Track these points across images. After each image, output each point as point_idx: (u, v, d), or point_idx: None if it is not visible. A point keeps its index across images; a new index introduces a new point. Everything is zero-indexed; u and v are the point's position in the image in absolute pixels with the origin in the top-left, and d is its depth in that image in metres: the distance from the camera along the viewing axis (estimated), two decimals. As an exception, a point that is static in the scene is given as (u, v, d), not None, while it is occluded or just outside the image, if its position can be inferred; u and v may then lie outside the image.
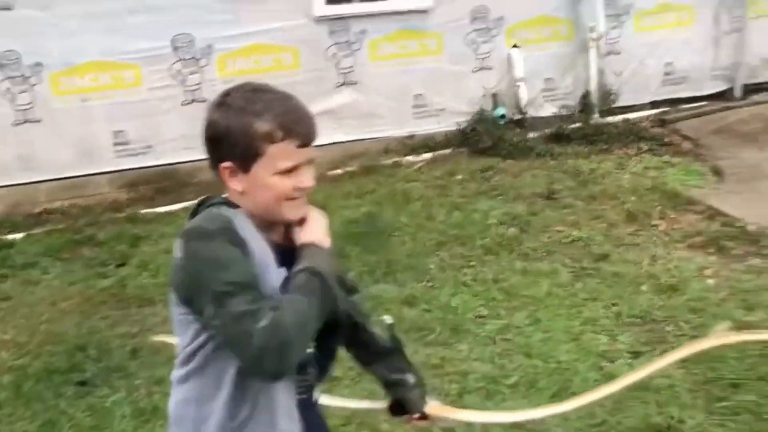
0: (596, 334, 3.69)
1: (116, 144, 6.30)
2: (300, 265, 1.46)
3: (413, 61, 6.84)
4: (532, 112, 7.03)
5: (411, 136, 6.90)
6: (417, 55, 6.84)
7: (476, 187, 5.96)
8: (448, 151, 6.77)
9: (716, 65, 7.57)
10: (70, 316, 4.23)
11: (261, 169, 1.46)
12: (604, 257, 4.55)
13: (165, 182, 6.45)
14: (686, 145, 6.59)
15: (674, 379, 3.23)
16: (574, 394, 3.15)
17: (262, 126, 1.44)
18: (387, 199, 5.79)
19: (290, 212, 1.51)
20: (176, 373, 1.57)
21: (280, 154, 1.45)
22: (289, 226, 1.57)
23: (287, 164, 1.46)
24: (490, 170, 6.25)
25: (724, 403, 3.03)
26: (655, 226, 5.00)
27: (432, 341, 3.71)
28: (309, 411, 1.62)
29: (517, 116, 7.00)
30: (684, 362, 3.33)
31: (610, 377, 3.26)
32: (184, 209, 5.91)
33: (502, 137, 6.62)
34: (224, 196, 1.56)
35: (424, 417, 1.86)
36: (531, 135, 6.81)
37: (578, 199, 5.53)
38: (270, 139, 1.44)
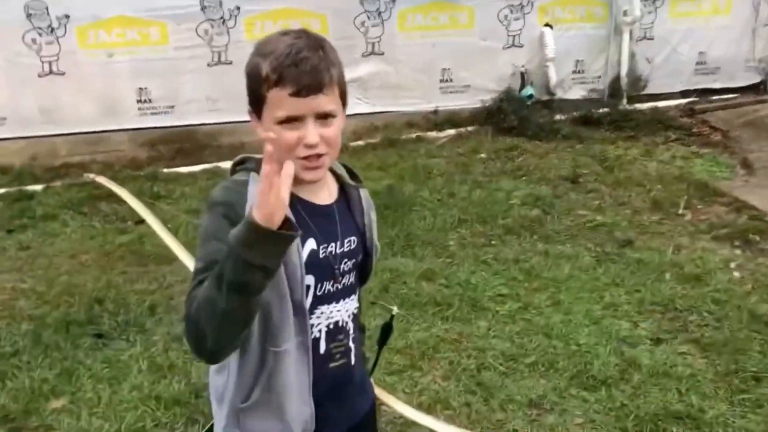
0: (617, 319, 3.64)
1: (139, 101, 6.26)
2: (230, 238, 1.24)
3: (443, 33, 6.73)
4: (560, 94, 6.94)
5: (435, 111, 6.83)
6: (447, 27, 6.74)
7: (500, 166, 5.90)
8: (472, 128, 6.70)
9: (751, 56, 7.41)
10: (88, 270, 4.22)
11: (266, 116, 1.38)
12: (628, 243, 4.49)
13: (186, 143, 6.42)
14: (715, 137, 6.48)
15: (696, 368, 3.19)
16: (593, 377, 3.14)
17: (263, 69, 1.35)
18: (409, 173, 5.74)
19: (303, 172, 1.37)
20: None
21: (275, 100, 1.35)
22: (342, 186, 1.52)
23: (280, 113, 1.34)
24: (515, 150, 6.18)
25: (746, 395, 2.99)
26: (681, 215, 4.93)
27: (450, 316, 3.68)
28: (347, 386, 1.55)
29: (545, 97, 6.91)
30: (706, 352, 3.32)
31: (631, 362, 3.23)
32: (204, 171, 5.91)
33: (529, 117, 6.54)
34: (260, 156, 1.49)
35: None
36: (558, 117, 6.73)
37: (603, 184, 5.46)
38: (267, 83, 1.34)
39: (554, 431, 2.80)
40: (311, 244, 1.44)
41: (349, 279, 1.52)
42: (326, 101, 1.36)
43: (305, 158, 1.37)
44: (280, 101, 1.34)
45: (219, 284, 1.23)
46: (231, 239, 1.23)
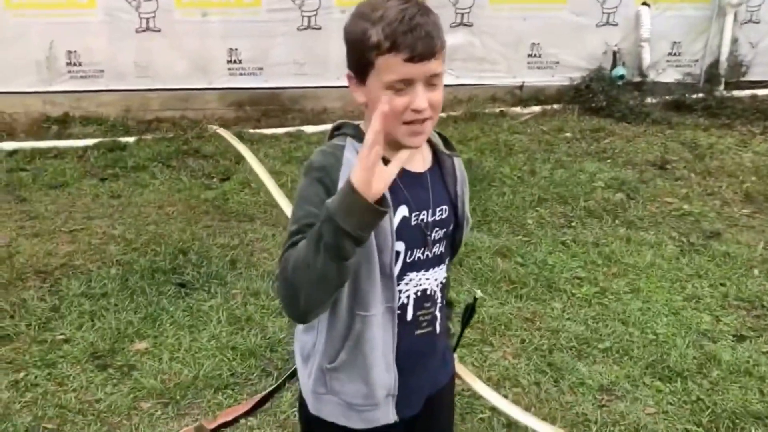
0: (699, 311, 3.52)
1: (229, 62, 6.40)
2: (327, 204, 1.28)
3: (534, 7, 6.57)
4: (653, 76, 6.67)
5: (521, 87, 6.71)
6: (539, 1, 6.57)
7: (584, 147, 5.75)
8: (558, 106, 6.55)
9: None
10: (174, 221, 4.39)
11: (372, 81, 1.37)
12: (715, 235, 4.32)
13: (271, 105, 6.53)
14: (819, 129, 6.12)
15: (780, 369, 3.07)
16: (669, 368, 3.07)
17: (373, 35, 1.33)
18: (490, 148, 5.68)
19: (407, 138, 1.38)
20: None
21: (386, 66, 1.33)
22: (436, 154, 1.53)
23: (392, 78, 1.33)
24: (601, 131, 6.02)
25: (832, 402, 2.86)
26: (775, 210, 4.71)
27: (524, 295, 3.65)
28: (430, 355, 1.57)
29: (637, 78, 6.66)
30: (792, 354, 3.18)
31: (710, 357, 3.14)
32: (287, 134, 6.01)
33: (618, 98, 6.34)
34: (358, 123, 1.49)
35: None
36: (649, 100, 6.49)
37: (693, 172, 5.26)
38: (378, 49, 1.33)
39: (624, 418, 2.76)
40: (403, 210, 1.44)
41: (440, 248, 1.52)
42: (436, 65, 1.36)
43: (410, 123, 1.37)
44: (393, 67, 1.33)
45: (316, 247, 1.26)
46: (329, 204, 1.26)
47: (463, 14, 6.51)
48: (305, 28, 6.32)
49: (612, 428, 2.71)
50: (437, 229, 1.50)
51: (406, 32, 1.31)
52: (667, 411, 2.81)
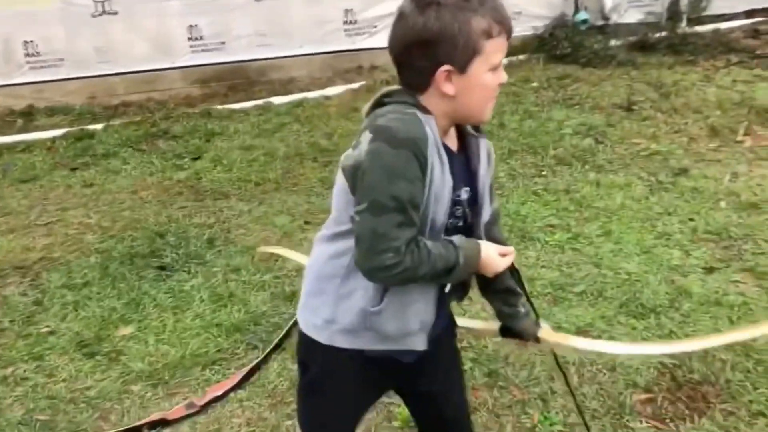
0: (669, 248, 3.61)
1: (190, 39, 6.33)
2: (467, 243, 1.51)
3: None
4: (615, 18, 6.70)
5: (485, 40, 6.68)
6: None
7: (552, 95, 5.79)
8: (523, 56, 6.56)
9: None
10: (149, 205, 4.40)
11: (478, 67, 1.43)
12: (683, 172, 4.41)
13: (237, 79, 6.49)
14: (781, 59, 6.19)
15: (749, 296, 3.16)
16: (642, 305, 3.16)
17: (481, 22, 1.40)
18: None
19: (490, 112, 1.51)
20: (324, 232, 1.60)
21: (496, 48, 1.43)
22: (462, 135, 1.57)
23: (500, 57, 1.45)
24: (568, 78, 6.05)
25: (799, 323, 2.96)
26: (740, 142, 4.79)
27: (500, 247, 3.71)
28: (441, 320, 1.65)
29: (600, 22, 6.68)
30: (760, 280, 3.29)
31: (681, 291, 3.23)
32: (256, 107, 5.98)
33: (582, 44, 6.37)
34: (398, 89, 1.50)
35: (537, 341, 1.84)
36: (613, 42, 6.52)
37: (659, 111, 5.33)
38: (488, 34, 1.41)
39: (601, 357, 2.84)
40: (450, 180, 1.49)
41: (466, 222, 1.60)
42: None
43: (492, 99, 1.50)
44: (501, 47, 1.44)
45: (447, 274, 1.49)
46: (462, 260, 1.49)
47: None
48: (264, -1, 6.26)
49: (590, 368, 2.80)
50: (458, 207, 1.57)
51: (505, 15, 1.44)
52: (642, 346, 2.91)
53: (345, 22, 6.51)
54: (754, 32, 6.68)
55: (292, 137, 5.39)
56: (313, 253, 1.63)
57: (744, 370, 2.72)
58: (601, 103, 5.51)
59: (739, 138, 4.82)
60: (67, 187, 4.78)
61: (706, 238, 3.70)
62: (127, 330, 3.19)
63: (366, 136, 1.42)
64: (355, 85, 6.26)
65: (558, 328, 3.02)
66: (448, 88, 1.44)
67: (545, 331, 1.82)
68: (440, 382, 1.77)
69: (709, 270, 3.42)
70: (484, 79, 1.44)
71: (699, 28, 6.66)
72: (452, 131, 1.55)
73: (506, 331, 1.84)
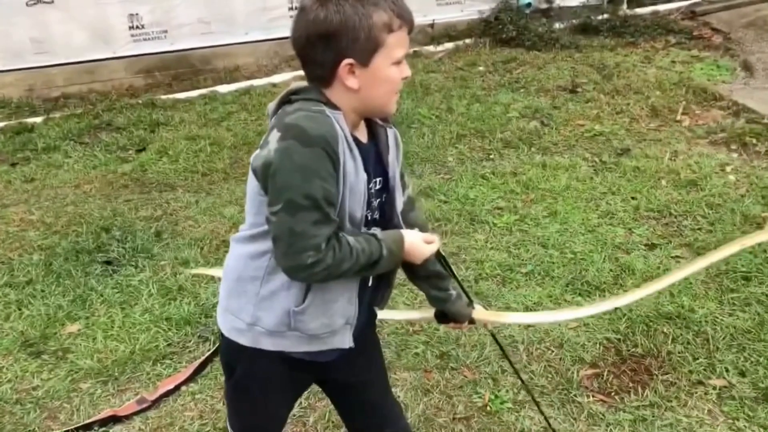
0: (613, 226, 3.72)
1: (131, 28, 6.18)
2: (390, 235, 1.54)
3: (437, -58, 6.55)
4: (558, 2, 6.80)
5: (431, 25, 6.72)
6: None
7: (498, 79, 5.85)
8: (470, 41, 6.61)
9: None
10: (93, 199, 4.30)
11: (381, 61, 1.43)
12: (626, 152, 4.52)
13: (181, 68, 6.37)
14: (717, 39, 6.38)
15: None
16: (588, 283, 3.25)
17: (382, 15, 1.40)
18: (406, 90, 5.70)
19: (394, 105, 1.52)
20: (242, 233, 1.58)
21: (397, 42, 1.44)
22: (370, 126, 1.57)
23: (402, 52, 1.45)
24: (513, 62, 6.12)
25: (735, 295, 3.08)
26: (679, 121, 4.93)
27: (449, 231, 3.76)
28: (369, 291, 1.66)
29: (544, 5, 6.77)
30: (699, 255, 3.39)
31: (625, 268, 3.33)
32: (201, 96, 5.88)
33: (527, 27, 6.45)
34: (305, 86, 1.50)
35: (471, 322, 1.88)
36: (557, 26, 6.62)
37: (602, 93, 5.44)
38: (389, 28, 1.42)
39: (549, 335, 2.92)
40: (364, 174, 1.50)
41: (382, 212, 1.62)
42: None
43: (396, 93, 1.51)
44: (402, 41, 1.45)
45: (371, 267, 1.51)
46: (392, 248, 1.52)
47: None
48: (206, -14, 6.15)
49: (538, 346, 2.87)
50: (379, 196, 1.60)
51: (406, 9, 1.45)
52: (588, 323, 2.98)
53: (290, 9, 6.44)
54: (692, 14, 6.86)
55: (239, 126, 5.33)
56: (231, 254, 1.62)
57: (684, 342, 2.82)
58: (546, 86, 5.60)
59: (678, 117, 4.96)
60: (6, 183, 4.63)
61: (648, 215, 3.81)
62: (74, 327, 3.13)
63: (274, 135, 1.41)
64: (303, 72, 6.20)
65: (507, 308, 3.10)
66: (352, 82, 1.44)
67: (479, 312, 1.87)
68: (364, 372, 1.79)
69: (651, 246, 3.53)
70: (387, 73, 1.45)
71: (639, 10, 6.81)
72: (362, 124, 1.56)
73: (442, 317, 1.88)
